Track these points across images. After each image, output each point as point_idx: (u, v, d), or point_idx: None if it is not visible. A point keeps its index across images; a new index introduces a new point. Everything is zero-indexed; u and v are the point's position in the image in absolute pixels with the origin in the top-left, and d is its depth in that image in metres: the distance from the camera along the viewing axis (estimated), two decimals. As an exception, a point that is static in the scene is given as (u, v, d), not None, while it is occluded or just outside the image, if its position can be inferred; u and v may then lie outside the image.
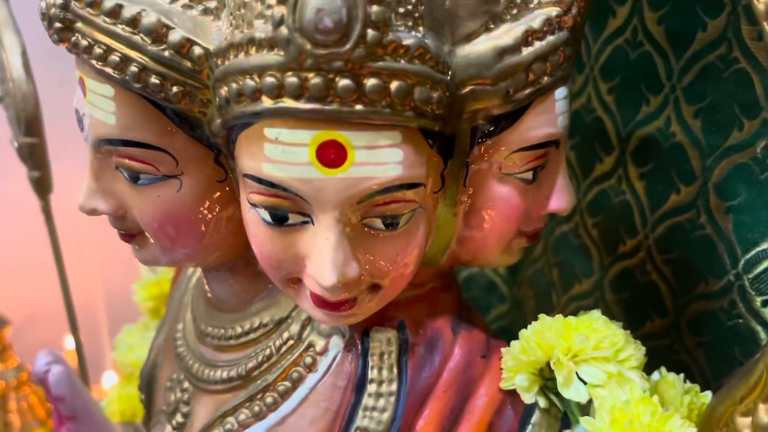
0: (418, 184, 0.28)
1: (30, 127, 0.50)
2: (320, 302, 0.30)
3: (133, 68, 0.29)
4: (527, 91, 0.30)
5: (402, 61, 0.26)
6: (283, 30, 0.25)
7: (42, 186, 0.54)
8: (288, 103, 0.26)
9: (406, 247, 0.30)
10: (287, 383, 0.35)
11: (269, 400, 0.36)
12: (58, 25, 0.30)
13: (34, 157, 0.52)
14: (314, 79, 0.25)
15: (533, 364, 0.34)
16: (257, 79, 0.26)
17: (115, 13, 0.29)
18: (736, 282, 0.43)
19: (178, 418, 0.40)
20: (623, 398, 0.30)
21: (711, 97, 0.43)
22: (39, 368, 0.47)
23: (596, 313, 0.35)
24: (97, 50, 0.29)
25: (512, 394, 0.34)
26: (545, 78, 0.30)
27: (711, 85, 0.43)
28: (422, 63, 0.26)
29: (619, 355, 0.33)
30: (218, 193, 0.33)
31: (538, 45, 0.29)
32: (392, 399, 0.33)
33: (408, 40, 0.26)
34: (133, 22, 0.28)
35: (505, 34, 0.29)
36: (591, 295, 0.56)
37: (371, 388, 0.34)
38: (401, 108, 0.26)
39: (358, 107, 0.26)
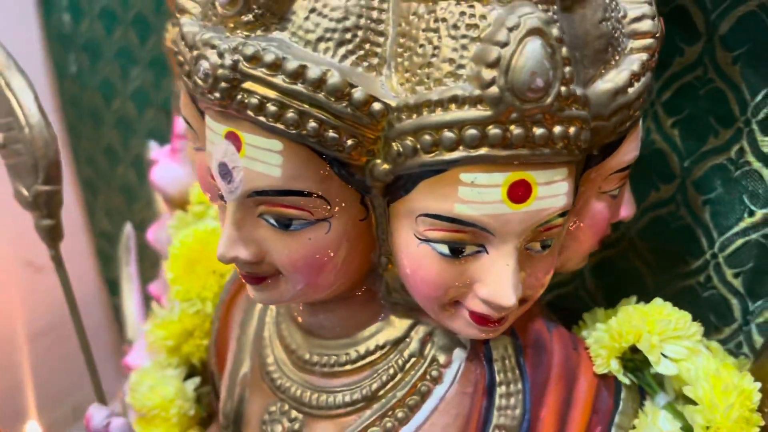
0: (568, 211, 0.33)
1: (50, 175, 0.48)
2: (481, 320, 0.34)
3: (312, 124, 0.31)
4: (628, 124, 0.36)
5: (574, 109, 0.31)
6: (494, 90, 0.28)
7: (54, 234, 0.51)
8: (487, 151, 0.30)
9: (551, 263, 0.35)
10: (416, 397, 0.39)
11: (400, 415, 0.39)
12: (224, 85, 0.31)
13: (52, 205, 0.49)
14: (516, 130, 0.29)
15: (621, 349, 0.40)
16: (457, 132, 0.29)
17: (297, 73, 0.30)
18: (712, 260, 0.53)
19: (286, 442, 0.41)
20: (713, 367, 0.38)
21: (688, 111, 0.52)
22: (98, 423, 0.45)
23: (659, 300, 0.42)
24: (271, 108, 0.31)
25: (603, 377, 0.41)
26: (639, 111, 0.36)
27: (688, 101, 0.52)
28: (584, 109, 0.31)
29: (689, 332, 0.40)
30: (357, 231, 0.35)
31: (637, 85, 0.35)
32: (520, 396, 0.38)
33: (579, 92, 0.31)
34: (318, 82, 0.30)
35: (616, 77, 0.34)
36: (571, 283, 0.64)
37: (501, 390, 0.38)
38: (574, 147, 0.31)
39: (546, 150, 0.30)
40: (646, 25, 0.35)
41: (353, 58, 0.31)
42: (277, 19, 0.31)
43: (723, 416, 0.36)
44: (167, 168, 0.63)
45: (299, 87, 0.30)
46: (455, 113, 0.29)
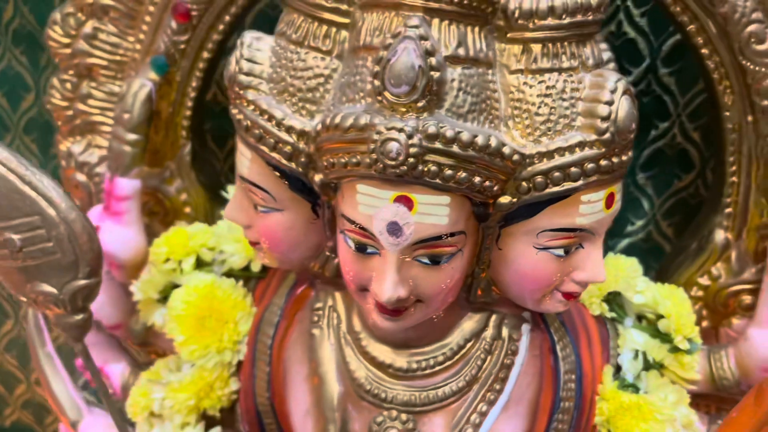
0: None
1: (93, 268, 0.45)
2: (569, 297, 0.45)
3: (478, 179, 0.39)
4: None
5: None
6: (608, 135, 0.40)
7: (85, 328, 0.48)
8: (598, 177, 0.41)
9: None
10: (504, 370, 0.50)
11: (497, 387, 0.49)
12: (412, 160, 0.37)
13: (89, 298, 0.47)
14: (615, 159, 0.42)
15: (603, 294, 0.56)
16: (580, 167, 0.41)
17: (470, 143, 0.38)
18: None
19: (404, 445, 0.49)
20: (666, 291, 0.56)
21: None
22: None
23: (611, 254, 0.59)
24: (447, 172, 0.38)
25: (597, 317, 0.56)
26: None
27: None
28: None
29: (640, 271, 0.58)
30: (471, 253, 0.44)
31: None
32: (570, 346, 0.52)
33: None
34: (485, 147, 0.39)
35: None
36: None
37: (560, 345, 0.51)
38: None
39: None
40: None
41: (488, 122, 0.40)
42: (437, 100, 0.38)
43: (686, 320, 0.55)
44: (114, 232, 0.61)
45: (470, 152, 0.38)
46: (580, 154, 0.41)
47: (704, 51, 0.51)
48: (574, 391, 0.51)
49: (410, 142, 0.37)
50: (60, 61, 0.63)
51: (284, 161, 0.44)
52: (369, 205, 0.40)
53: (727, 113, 0.53)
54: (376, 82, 0.38)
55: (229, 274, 0.60)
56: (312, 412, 0.51)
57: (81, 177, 0.67)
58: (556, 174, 0.41)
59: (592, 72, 0.41)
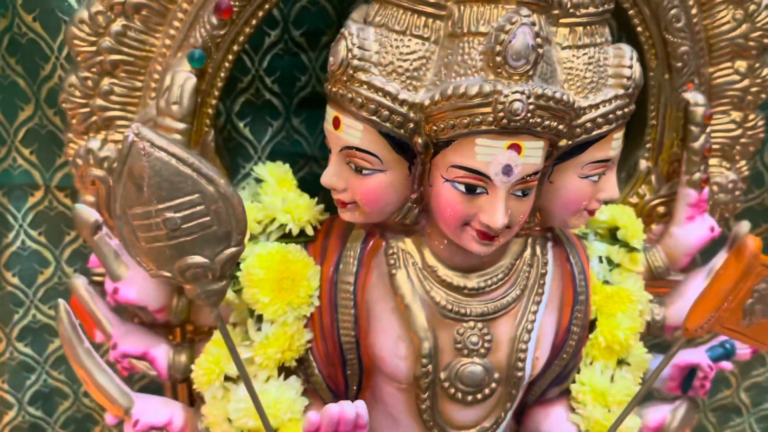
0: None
1: (242, 237, 0.51)
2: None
3: (561, 126, 0.54)
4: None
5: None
6: (630, 89, 0.57)
7: (223, 294, 0.54)
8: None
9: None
10: (543, 278, 0.65)
11: (540, 291, 0.65)
12: (528, 115, 0.51)
13: (233, 265, 0.53)
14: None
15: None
16: (614, 114, 0.57)
17: (564, 101, 0.52)
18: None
19: (481, 348, 0.62)
20: (619, 208, 0.76)
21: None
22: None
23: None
24: (548, 123, 0.52)
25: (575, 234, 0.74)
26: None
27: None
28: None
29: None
30: None
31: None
32: (576, 254, 0.69)
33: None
34: (568, 102, 0.53)
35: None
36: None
37: (572, 255, 0.68)
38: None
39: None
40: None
41: (557, 85, 0.55)
42: (536, 70, 0.52)
43: (636, 228, 0.75)
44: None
45: (560, 106, 0.53)
46: (615, 104, 0.57)
47: (639, 29, 0.71)
48: (585, 287, 0.69)
49: (529, 101, 0.51)
50: (82, 59, 0.65)
51: (395, 129, 0.55)
52: (487, 153, 0.52)
53: (651, 73, 0.73)
54: (498, 58, 0.50)
55: (280, 240, 0.68)
56: (403, 336, 0.62)
57: (99, 172, 0.69)
58: (600, 120, 0.57)
59: (612, 45, 0.58)
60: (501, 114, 0.51)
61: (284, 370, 0.66)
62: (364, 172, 0.57)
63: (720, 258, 0.81)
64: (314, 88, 0.87)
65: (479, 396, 0.64)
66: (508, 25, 0.50)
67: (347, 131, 0.56)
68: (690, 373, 0.80)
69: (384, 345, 0.63)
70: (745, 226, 0.79)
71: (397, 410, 0.67)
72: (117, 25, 0.64)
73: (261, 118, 0.84)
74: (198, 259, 0.51)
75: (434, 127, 0.54)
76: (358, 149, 0.56)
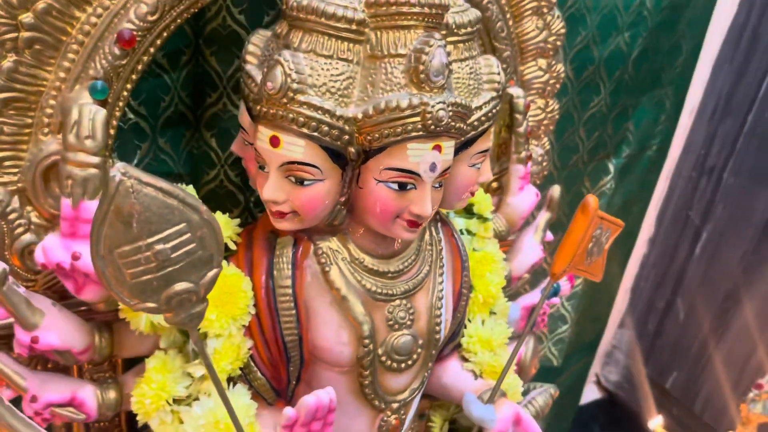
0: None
1: (221, 257, 0.54)
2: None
3: (467, 127, 0.66)
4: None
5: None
6: (500, 91, 0.71)
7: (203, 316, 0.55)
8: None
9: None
10: (440, 253, 0.77)
11: (441, 264, 0.76)
12: (448, 121, 0.61)
13: (212, 286, 0.54)
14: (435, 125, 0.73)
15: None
16: (492, 112, 0.71)
17: (467, 106, 0.64)
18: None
19: (408, 320, 0.73)
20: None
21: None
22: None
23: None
24: (458, 125, 0.63)
25: (443, 214, 0.88)
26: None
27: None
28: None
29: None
30: None
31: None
32: (455, 229, 0.82)
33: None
34: (470, 107, 0.65)
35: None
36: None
37: (454, 230, 0.81)
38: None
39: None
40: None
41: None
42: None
43: (487, 201, 0.91)
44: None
45: (466, 111, 0.64)
46: (492, 103, 0.70)
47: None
48: (467, 256, 0.82)
49: (449, 109, 0.62)
50: (-30, 99, 0.60)
51: (334, 142, 0.62)
52: (416, 155, 0.62)
53: (483, 74, 0.89)
54: (422, 75, 0.60)
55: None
56: (344, 324, 0.70)
57: None
58: (483, 118, 0.70)
59: (482, 56, 0.71)
60: (429, 122, 0.61)
61: (230, 380, 0.70)
62: (306, 183, 0.63)
63: (541, 216, 1.01)
64: (177, 107, 0.88)
65: (410, 362, 0.74)
66: (427, 48, 0.60)
67: (289, 148, 0.62)
68: (532, 312, 0.99)
69: (327, 336, 0.70)
70: (556, 189, 1.00)
71: (338, 393, 0.74)
72: (8, 62, 0.61)
73: (129, 141, 0.84)
74: (185, 285, 0.54)
75: (368, 137, 0.62)
76: (300, 163, 0.62)
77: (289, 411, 0.63)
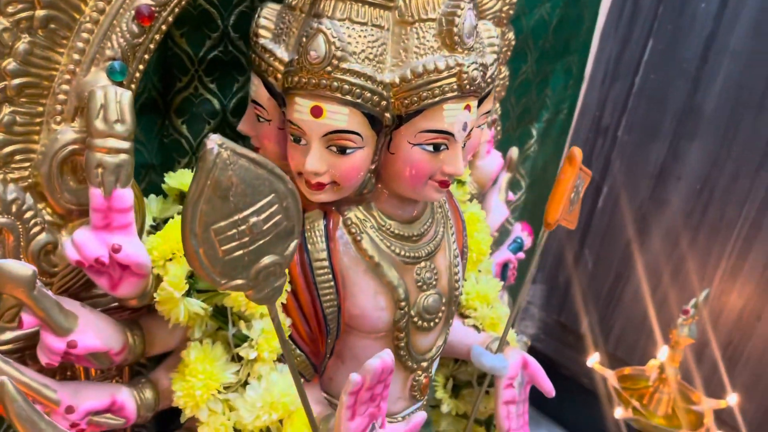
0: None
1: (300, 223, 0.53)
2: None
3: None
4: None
5: None
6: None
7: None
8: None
9: None
10: (447, 215, 0.81)
11: (451, 224, 0.80)
12: (480, 80, 0.64)
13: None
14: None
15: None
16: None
17: (488, 66, 0.67)
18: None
19: (433, 280, 0.76)
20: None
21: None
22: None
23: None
24: (483, 84, 0.67)
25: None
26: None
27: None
28: None
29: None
30: None
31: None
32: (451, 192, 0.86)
33: None
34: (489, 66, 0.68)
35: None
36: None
37: (454, 194, 0.85)
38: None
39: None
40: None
41: None
42: None
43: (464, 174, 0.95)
44: (134, 243, 0.61)
45: (487, 71, 0.68)
46: None
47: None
48: (463, 217, 0.87)
49: (481, 69, 0.65)
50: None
51: (375, 108, 0.63)
52: (451, 115, 0.65)
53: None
54: (456, 38, 0.63)
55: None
56: (380, 290, 0.71)
57: (5, 219, 0.59)
58: (490, 79, 0.74)
59: (480, 21, 0.75)
60: (465, 82, 0.64)
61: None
62: (348, 151, 0.64)
63: (502, 177, 1.07)
64: (150, 93, 0.84)
65: (437, 320, 0.77)
66: (459, 11, 0.63)
67: (332, 117, 0.62)
68: (504, 267, 1.06)
69: (365, 303, 0.71)
70: (515, 150, 1.07)
71: (372, 359, 0.75)
72: (23, 43, 0.56)
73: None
74: (272, 258, 0.53)
75: (405, 101, 0.64)
76: (345, 131, 0.62)
77: (355, 376, 0.63)
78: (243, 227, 0.50)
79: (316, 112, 0.62)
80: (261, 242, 0.52)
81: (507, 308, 0.95)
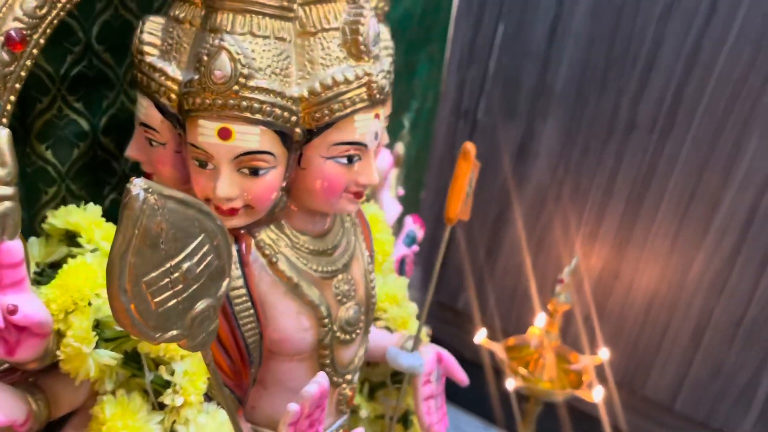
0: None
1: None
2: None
3: None
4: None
5: None
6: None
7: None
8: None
9: None
10: (355, 223, 0.79)
11: (361, 237, 0.79)
12: (388, 88, 0.63)
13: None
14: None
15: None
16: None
17: (392, 73, 0.66)
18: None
19: (351, 291, 0.74)
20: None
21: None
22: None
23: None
24: (388, 92, 0.66)
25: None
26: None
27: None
28: None
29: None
30: None
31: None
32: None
33: None
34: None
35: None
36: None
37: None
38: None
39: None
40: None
41: None
42: None
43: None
44: (30, 301, 0.53)
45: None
46: None
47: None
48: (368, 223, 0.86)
49: (387, 77, 0.64)
50: None
51: (285, 125, 0.60)
52: (363, 126, 0.64)
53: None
54: (361, 47, 0.61)
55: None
56: (302, 310, 0.69)
57: None
58: (390, 83, 0.73)
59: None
60: (375, 91, 0.63)
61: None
62: (261, 172, 0.60)
63: (391, 173, 1.08)
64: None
65: (358, 331, 0.76)
66: (362, 19, 0.61)
67: (242, 138, 0.58)
68: (401, 262, 1.07)
69: (287, 326, 0.68)
70: (400, 146, 1.07)
71: (297, 382, 0.72)
72: None
73: None
74: (207, 301, 0.49)
75: (315, 115, 0.61)
76: (257, 152, 0.59)
77: (293, 406, 0.61)
78: (176, 274, 0.45)
79: (224, 134, 0.58)
80: (194, 287, 0.47)
81: (414, 304, 0.96)
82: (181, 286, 0.46)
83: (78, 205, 0.72)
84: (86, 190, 0.84)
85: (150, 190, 0.42)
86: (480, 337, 1.47)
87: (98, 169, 0.83)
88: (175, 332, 0.47)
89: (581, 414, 1.70)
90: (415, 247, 1.11)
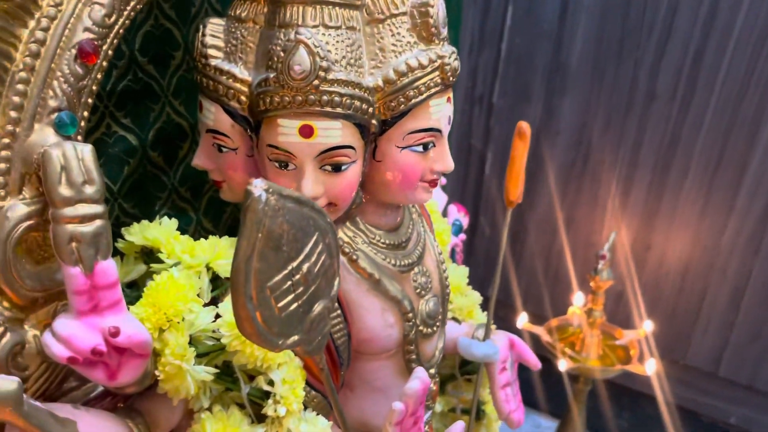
0: None
1: None
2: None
3: None
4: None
5: None
6: None
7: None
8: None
9: None
10: (423, 221, 0.78)
11: (430, 230, 0.77)
12: (459, 71, 0.61)
13: None
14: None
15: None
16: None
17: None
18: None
19: (428, 283, 0.72)
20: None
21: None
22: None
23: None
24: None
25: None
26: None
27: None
28: None
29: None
30: None
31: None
32: None
33: None
34: None
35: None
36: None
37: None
38: None
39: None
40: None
41: None
42: None
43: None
44: (130, 321, 0.52)
45: None
46: None
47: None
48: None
49: (457, 58, 0.62)
50: None
51: (364, 116, 0.58)
52: (437, 111, 0.62)
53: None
54: (432, 30, 0.59)
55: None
56: (386, 306, 0.67)
57: None
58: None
59: None
60: (448, 74, 0.61)
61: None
62: (343, 167, 0.58)
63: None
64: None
65: (438, 323, 0.74)
66: (432, 1, 0.59)
67: (325, 134, 0.56)
68: (452, 252, 1.05)
69: (373, 323, 0.67)
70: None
71: (384, 380, 0.71)
72: (-49, 110, 0.44)
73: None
74: (323, 302, 0.47)
75: (390, 104, 0.59)
76: (339, 147, 0.57)
77: (398, 405, 0.59)
78: (297, 276, 0.44)
79: (306, 132, 0.56)
80: (312, 288, 0.46)
81: (476, 293, 0.94)
82: (301, 289, 0.44)
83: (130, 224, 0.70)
84: (139, 207, 0.82)
85: (270, 190, 0.40)
86: (522, 321, 1.45)
87: (148, 185, 0.81)
88: (296, 337, 0.46)
89: (623, 389, 1.69)
90: (462, 236, 1.09)
